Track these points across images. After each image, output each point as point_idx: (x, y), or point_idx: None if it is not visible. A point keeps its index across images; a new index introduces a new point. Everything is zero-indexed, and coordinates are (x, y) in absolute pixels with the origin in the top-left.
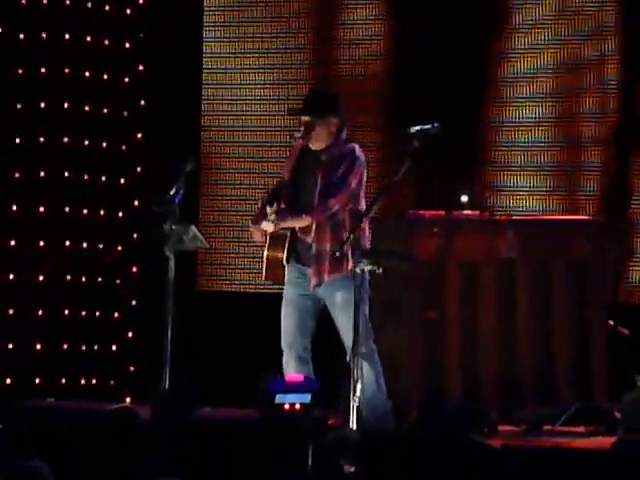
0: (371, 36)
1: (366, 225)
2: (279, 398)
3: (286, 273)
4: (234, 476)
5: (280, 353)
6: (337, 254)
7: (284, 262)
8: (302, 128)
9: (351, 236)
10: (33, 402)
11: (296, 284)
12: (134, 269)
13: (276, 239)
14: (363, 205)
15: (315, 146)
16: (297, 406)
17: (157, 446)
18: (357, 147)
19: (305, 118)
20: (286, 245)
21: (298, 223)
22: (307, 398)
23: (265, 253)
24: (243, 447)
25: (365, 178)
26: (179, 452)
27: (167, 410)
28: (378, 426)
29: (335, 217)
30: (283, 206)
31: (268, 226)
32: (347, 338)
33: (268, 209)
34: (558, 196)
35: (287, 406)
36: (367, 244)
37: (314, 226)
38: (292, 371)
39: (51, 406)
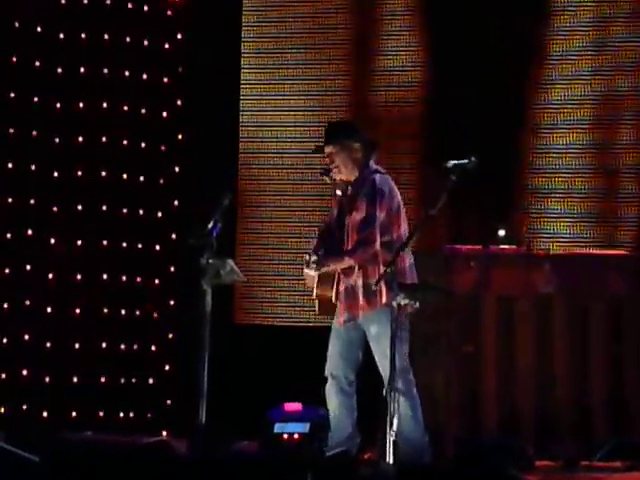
0: (407, 64)
1: (407, 258)
2: (278, 427)
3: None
4: None
5: (318, 386)
6: (373, 288)
7: (333, 300)
8: (327, 162)
9: (388, 270)
10: (71, 435)
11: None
12: (172, 302)
13: (325, 278)
14: (397, 235)
15: (344, 177)
16: (296, 436)
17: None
18: (378, 177)
19: (327, 150)
20: (334, 284)
21: (339, 265)
22: (306, 428)
23: (314, 292)
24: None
25: (395, 206)
26: None
27: (204, 445)
28: (415, 460)
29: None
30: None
31: (310, 272)
32: (384, 371)
33: (307, 257)
34: (596, 224)
35: (285, 436)
36: (409, 277)
37: (356, 266)
38: (334, 400)
39: (88, 439)
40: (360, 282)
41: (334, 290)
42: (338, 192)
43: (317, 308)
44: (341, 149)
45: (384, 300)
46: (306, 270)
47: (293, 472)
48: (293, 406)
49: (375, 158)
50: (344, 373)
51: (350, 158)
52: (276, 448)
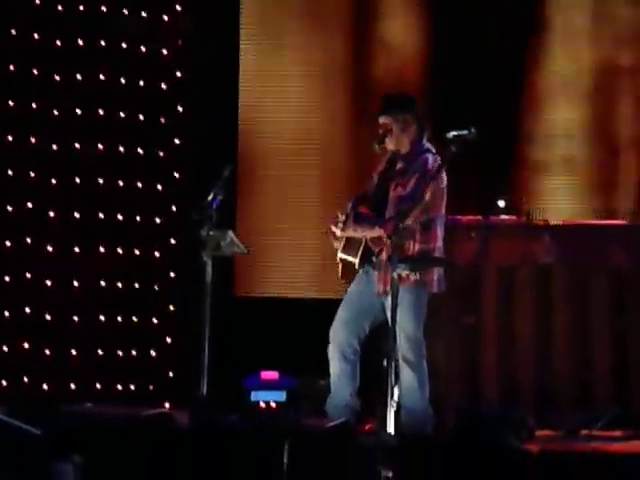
0: (407, 37)
1: (437, 236)
2: (254, 396)
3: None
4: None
5: (319, 357)
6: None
7: (357, 267)
8: (380, 132)
9: (389, 241)
10: (71, 407)
11: (360, 282)
12: (172, 275)
13: (351, 243)
14: (437, 214)
15: (396, 148)
16: (272, 404)
17: (194, 452)
18: (431, 158)
19: (382, 120)
20: (360, 251)
21: (369, 233)
22: (282, 396)
23: (339, 255)
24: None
25: (441, 188)
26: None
27: (205, 416)
28: (416, 431)
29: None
30: (365, 211)
31: (337, 231)
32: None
33: (339, 215)
34: (595, 198)
35: (262, 404)
36: (437, 251)
37: (385, 237)
38: (336, 366)
39: (90, 411)
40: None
41: (358, 257)
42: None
43: (340, 272)
44: (398, 121)
45: (416, 277)
46: (333, 228)
47: (271, 441)
48: (269, 374)
49: (427, 136)
50: (347, 340)
51: (405, 131)
52: (254, 417)
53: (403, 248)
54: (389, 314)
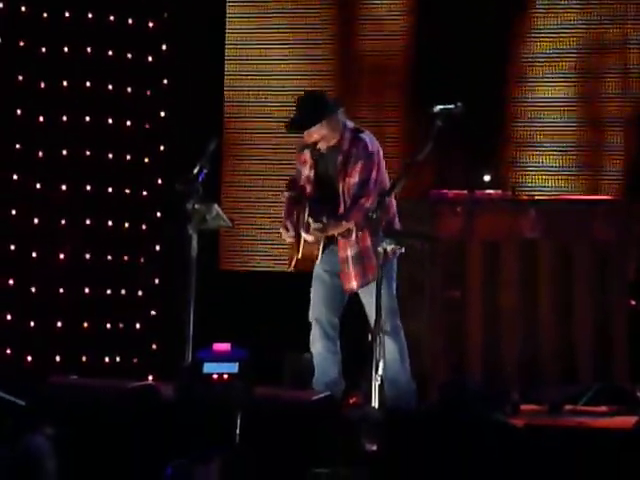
0: (393, 12)
1: (392, 204)
2: (207, 367)
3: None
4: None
5: (303, 331)
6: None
7: (317, 259)
8: (308, 139)
9: (372, 215)
10: (56, 379)
11: (326, 262)
12: (157, 248)
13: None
14: (386, 184)
15: (325, 146)
16: (225, 376)
17: (179, 425)
18: (367, 138)
19: (313, 130)
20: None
21: (339, 229)
22: (235, 367)
23: (300, 251)
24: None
25: (383, 161)
26: (203, 431)
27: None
28: (401, 405)
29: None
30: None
31: (309, 237)
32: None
33: (312, 223)
34: (580, 176)
35: (215, 375)
36: (396, 224)
37: (354, 228)
38: (319, 345)
39: (74, 383)
40: (369, 243)
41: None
42: (305, 154)
43: (293, 264)
44: (326, 124)
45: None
46: (305, 236)
47: (223, 412)
48: (222, 346)
49: (344, 114)
50: (327, 318)
51: (333, 129)
52: (206, 388)
53: (378, 227)
54: (366, 294)
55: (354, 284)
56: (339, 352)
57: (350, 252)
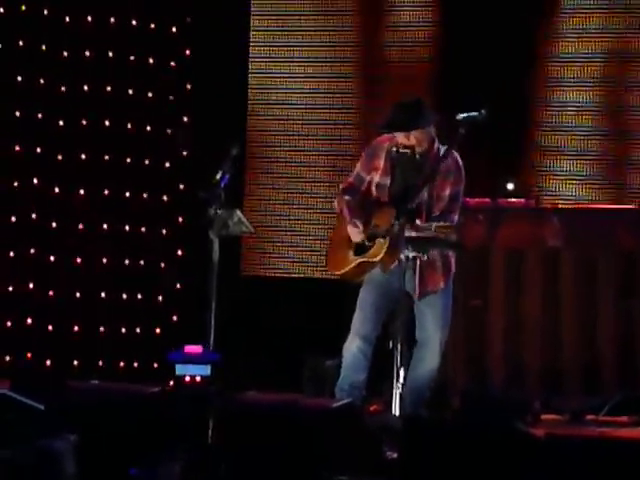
0: (419, 20)
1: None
2: (179, 369)
3: None
4: None
5: (324, 337)
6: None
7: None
8: (404, 139)
9: (396, 223)
10: (76, 383)
11: (390, 273)
12: (180, 252)
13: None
14: None
15: (417, 149)
16: (197, 378)
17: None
18: (458, 156)
19: (414, 133)
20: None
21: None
22: (207, 370)
23: (381, 255)
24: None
25: None
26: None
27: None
28: (415, 411)
29: None
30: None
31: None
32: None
33: (428, 224)
34: (605, 185)
35: (187, 378)
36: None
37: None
38: (356, 346)
39: (94, 388)
40: (437, 253)
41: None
42: (377, 160)
43: (352, 269)
44: (427, 130)
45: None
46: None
47: (196, 414)
48: (194, 348)
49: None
50: (370, 335)
51: (430, 136)
52: (179, 390)
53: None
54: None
55: (429, 287)
56: (370, 361)
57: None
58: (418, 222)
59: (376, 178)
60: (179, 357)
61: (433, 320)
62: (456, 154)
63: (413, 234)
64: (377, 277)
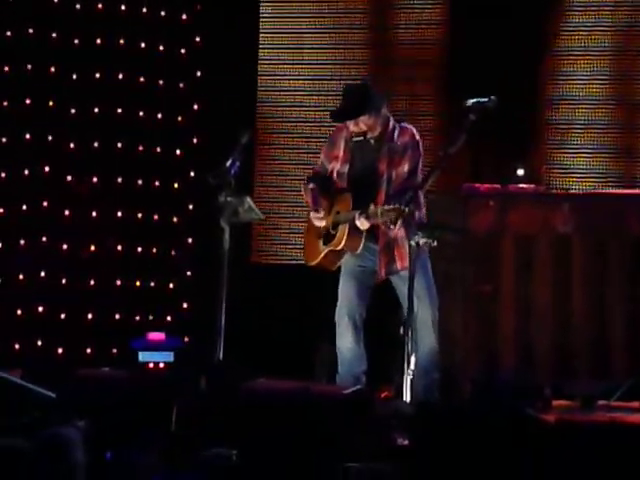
0: (430, 3)
1: (421, 198)
2: (142, 356)
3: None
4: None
5: (334, 324)
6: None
7: (358, 250)
8: (353, 128)
9: (405, 209)
10: (87, 371)
11: (360, 257)
12: (190, 240)
13: (355, 229)
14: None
15: (370, 136)
16: (161, 365)
17: (211, 416)
18: (413, 128)
19: (361, 119)
20: (363, 236)
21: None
22: (170, 356)
23: (343, 243)
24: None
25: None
26: (232, 422)
27: (221, 380)
28: (426, 395)
29: None
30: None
31: (365, 224)
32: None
33: (375, 208)
34: (613, 175)
35: (151, 364)
36: (424, 217)
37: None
38: (349, 339)
39: (106, 375)
40: (403, 234)
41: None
42: (336, 150)
43: (322, 259)
44: (375, 114)
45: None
46: (362, 222)
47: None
48: (156, 335)
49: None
50: (359, 312)
51: (381, 118)
52: (144, 377)
53: (411, 219)
54: (400, 285)
55: (383, 272)
56: (364, 344)
57: (384, 241)
58: (372, 207)
59: (337, 166)
60: (142, 344)
61: (417, 300)
62: (412, 128)
63: (365, 222)
64: (351, 267)
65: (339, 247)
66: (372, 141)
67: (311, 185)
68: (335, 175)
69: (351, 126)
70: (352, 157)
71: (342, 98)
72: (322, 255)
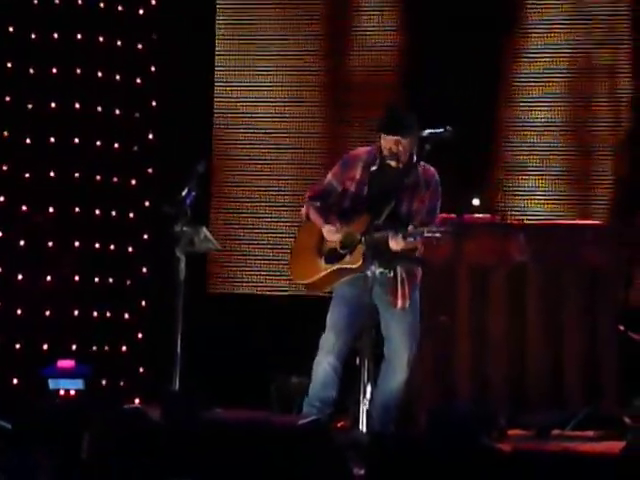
0: (384, 28)
1: None
2: (52, 383)
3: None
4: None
5: (290, 355)
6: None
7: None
8: (394, 145)
9: (362, 239)
10: (42, 402)
11: (357, 286)
12: (144, 270)
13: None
14: None
15: (394, 163)
16: (72, 392)
17: (167, 447)
18: (435, 171)
19: (403, 140)
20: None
21: (413, 245)
22: (80, 384)
23: (358, 263)
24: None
25: None
26: (189, 453)
27: (178, 411)
28: (382, 428)
29: None
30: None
31: (399, 244)
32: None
33: (414, 229)
34: (570, 201)
35: (62, 392)
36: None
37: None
38: (328, 361)
39: (61, 406)
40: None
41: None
42: (355, 170)
43: (323, 277)
44: (412, 141)
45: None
46: (401, 242)
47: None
48: (66, 362)
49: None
50: (341, 351)
51: (409, 149)
52: (55, 405)
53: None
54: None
55: (399, 302)
56: (340, 378)
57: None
58: (410, 228)
59: (351, 188)
60: (52, 372)
61: (401, 336)
62: (433, 169)
63: (401, 242)
64: (346, 293)
65: (355, 266)
66: (394, 167)
67: (318, 203)
68: (348, 197)
69: (390, 143)
70: (370, 180)
71: (391, 114)
72: (323, 273)
